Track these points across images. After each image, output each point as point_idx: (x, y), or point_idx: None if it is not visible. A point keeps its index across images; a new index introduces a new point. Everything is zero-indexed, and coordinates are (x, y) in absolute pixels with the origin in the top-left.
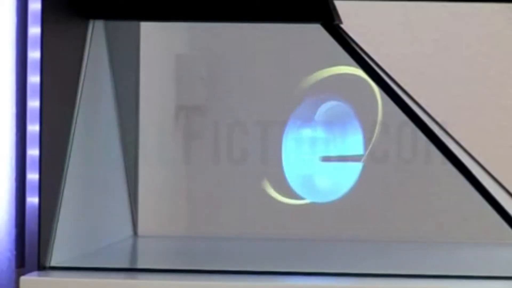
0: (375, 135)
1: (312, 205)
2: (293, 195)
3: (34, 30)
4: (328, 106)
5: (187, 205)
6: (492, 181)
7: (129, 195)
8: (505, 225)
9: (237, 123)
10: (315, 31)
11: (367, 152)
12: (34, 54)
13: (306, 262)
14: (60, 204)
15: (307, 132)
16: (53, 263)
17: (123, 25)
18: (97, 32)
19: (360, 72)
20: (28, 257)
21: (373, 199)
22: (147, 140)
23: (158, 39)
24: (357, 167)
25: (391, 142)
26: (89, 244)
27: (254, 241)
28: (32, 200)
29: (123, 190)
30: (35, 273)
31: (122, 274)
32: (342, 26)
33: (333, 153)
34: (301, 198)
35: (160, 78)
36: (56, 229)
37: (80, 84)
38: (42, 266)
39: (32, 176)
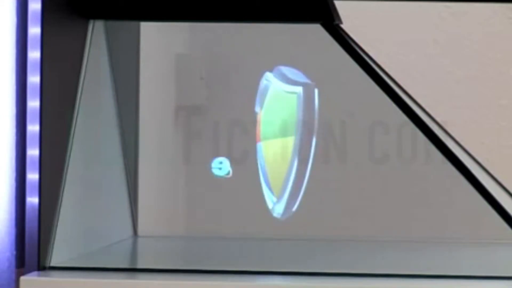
0: None
1: (312, 205)
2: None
3: (34, 30)
4: None
5: (187, 205)
6: (492, 181)
7: (129, 195)
8: (505, 225)
9: (237, 123)
10: (315, 31)
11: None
12: (34, 54)
13: (306, 262)
14: (60, 204)
15: None
16: (53, 263)
17: (123, 25)
18: (97, 32)
19: None
20: (28, 257)
21: (373, 199)
22: (147, 140)
23: (158, 39)
24: None
25: (391, 142)
26: (89, 244)
27: (253, 241)
28: (32, 200)
29: (123, 190)
30: (35, 273)
31: (122, 274)
32: (342, 26)
33: None
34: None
35: (160, 78)
36: (56, 229)
37: (80, 84)
38: (42, 266)
39: (32, 176)
